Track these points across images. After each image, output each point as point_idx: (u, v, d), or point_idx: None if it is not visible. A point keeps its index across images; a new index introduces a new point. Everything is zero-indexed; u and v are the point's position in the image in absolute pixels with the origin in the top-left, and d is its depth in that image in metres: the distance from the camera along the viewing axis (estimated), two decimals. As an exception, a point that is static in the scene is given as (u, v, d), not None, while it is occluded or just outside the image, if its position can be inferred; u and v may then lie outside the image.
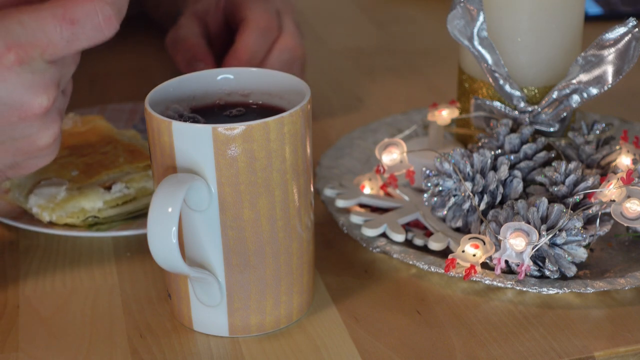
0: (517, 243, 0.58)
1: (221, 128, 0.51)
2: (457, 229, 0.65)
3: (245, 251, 0.54)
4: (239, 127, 0.51)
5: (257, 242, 0.54)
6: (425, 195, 0.65)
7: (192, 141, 0.52)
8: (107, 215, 0.67)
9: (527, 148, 0.66)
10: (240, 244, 0.54)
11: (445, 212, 0.64)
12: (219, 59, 0.81)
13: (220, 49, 0.83)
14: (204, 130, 0.51)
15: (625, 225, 0.58)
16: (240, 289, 0.55)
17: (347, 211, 0.67)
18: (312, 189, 0.57)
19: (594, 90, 0.66)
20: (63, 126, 0.75)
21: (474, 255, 0.59)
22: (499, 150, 0.66)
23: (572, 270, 0.59)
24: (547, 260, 0.59)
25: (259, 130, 0.52)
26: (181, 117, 0.56)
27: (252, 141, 0.52)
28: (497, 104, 0.68)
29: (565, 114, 0.68)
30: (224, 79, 0.59)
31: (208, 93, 0.59)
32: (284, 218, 0.54)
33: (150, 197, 0.67)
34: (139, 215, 0.68)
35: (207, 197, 0.53)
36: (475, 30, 0.66)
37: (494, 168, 0.64)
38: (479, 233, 0.63)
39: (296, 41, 0.80)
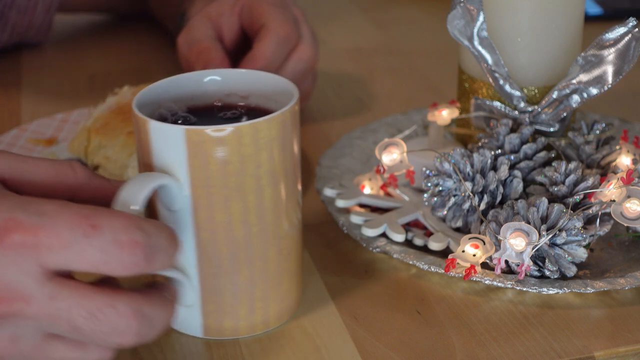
0: (517, 243, 0.58)
1: (194, 130, 0.51)
2: (457, 229, 0.65)
3: (219, 254, 0.54)
4: (211, 130, 0.51)
5: (230, 246, 0.54)
6: (425, 195, 0.65)
7: (166, 141, 0.52)
8: None
9: (527, 148, 0.66)
10: (213, 246, 0.53)
11: (445, 212, 0.64)
12: (233, 64, 0.81)
13: (234, 53, 0.83)
14: (177, 131, 0.51)
15: (625, 225, 0.58)
16: (214, 292, 0.55)
17: (347, 211, 0.67)
18: (298, 197, 0.56)
19: (594, 90, 0.66)
20: (123, 99, 0.76)
21: (474, 255, 0.59)
22: (499, 150, 0.66)
23: (572, 270, 0.59)
24: (547, 260, 0.59)
25: (231, 134, 0.51)
26: (173, 116, 0.56)
27: (225, 145, 0.51)
28: (497, 104, 0.68)
29: (565, 114, 0.68)
30: (226, 80, 0.59)
31: (207, 93, 0.58)
32: (260, 224, 0.54)
33: None
34: None
35: (180, 198, 0.52)
36: (475, 30, 0.66)
37: (494, 168, 0.64)
38: (479, 233, 0.63)
39: (313, 52, 0.80)
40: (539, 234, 0.58)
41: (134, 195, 0.49)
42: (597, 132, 0.68)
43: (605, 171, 0.66)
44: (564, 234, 0.59)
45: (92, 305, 0.46)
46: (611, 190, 0.59)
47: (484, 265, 0.61)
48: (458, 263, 0.59)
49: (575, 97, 0.66)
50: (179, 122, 0.56)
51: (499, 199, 0.64)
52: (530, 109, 0.67)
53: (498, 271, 0.59)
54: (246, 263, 0.54)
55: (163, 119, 0.56)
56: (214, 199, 0.52)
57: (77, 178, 0.52)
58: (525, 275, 0.59)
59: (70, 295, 0.45)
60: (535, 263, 0.60)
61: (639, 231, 0.64)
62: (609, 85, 0.65)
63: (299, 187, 0.57)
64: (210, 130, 0.51)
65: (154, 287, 0.50)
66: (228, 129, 0.51)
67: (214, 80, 0.59)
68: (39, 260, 0.45)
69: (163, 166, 0.52)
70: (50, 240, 0.45)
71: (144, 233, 0.46)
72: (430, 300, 0.60)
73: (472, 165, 0.64)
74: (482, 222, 0.63)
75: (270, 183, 0.53)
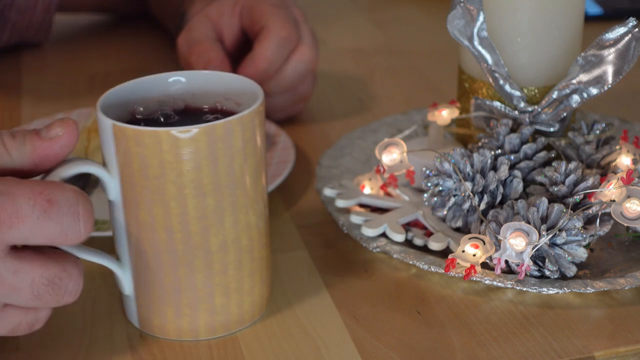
0: (517, 243, 0.58)
1: (119, 126, 0.51)
2: (457, 229, 0.65)
3: (145, 253, 0.54)
4: (131, 130, 0.51)
5: (154, 247, 0.53)
6: (425, 195, 0.65)
7: (103, 133, 0.52)
8: None
9: (527, 148, 0.66)
10: (140, 243, 0.53)
11: (445, 212, 0.64)
12: (233, 65, 0.81)
13: (234, 54, 0.83)
14: (107, 125, 0.52)
15: (625, 225, 0.58)
16: (144, 286, 0.55)
17: (347, 211, 0.67)
18: (245, 214, 0.54)
19: (594, 90, 0.66)
20: None
21: (474, 255, 0.59)
22: (499, 150, 0.66)
23: (572, 270, 0.59)
24: (547, 260, 0.59)
25: (150, 137, 0.51)
26: (159, 111, 0.57)
27: (144, 147, 0.51)
28: (497, 104, 0.68)
29: (565, 114, 0.68)
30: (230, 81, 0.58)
31: (207, 93, 0.58)
32: (183, 233, 0.53)
33: None
34: None
35: (113, 190, 0.53)
36: (475, 30, 0.66)
37: (494, 168, 0.64)
38: (479, 233, 0.63)
39: (313, 53, 0.80)
40: (539, 234, 0.58)
41: (57, 175, 0.51)
42: (597, 132, 0.68)
43: (605, 171, 0.66)
44: (564, 234, 0.59)
45: (51, 273, 0.49)
46: (611, 190, 0.59)
47: (484, 265, 0.61)
48: (458, 263, 0.59)
49: (575, 97, 0.66)
50: (161, 120, 0.56)
51: (499, 199, 0.64)
52: (530, 109, 0.67)
53: (498, 271, 0.59)
54: (170, 267, 0.54)
55: (138, 114, 0.56)
56: (138, 197, 0.52)
57: (12, 159, 0.52)
58: (525, 275, 0.59)
59: (32, 268, 0.49)
60: (535, 263, 0.60)
61: (639, 231, 0.64)
62: (609, 85, 0.65)
63: (254, 205, 0.55)
64: (132, 129, 0.51)
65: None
66: (146, 131, 0.51)
67: (216, 79, 0.58)
68: (1, 237, 0.47)
69: (104, 156, 0.53)
70: (11, 218, 0.47)
71: (89, 202, 0.50)
72: (430, 300, 0.60)
73: (472, 165, 0.64)
74: (482, 222, 0.63)
75: (196, 194, 0.52)
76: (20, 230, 0.48)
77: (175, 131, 0.51)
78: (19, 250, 0.49)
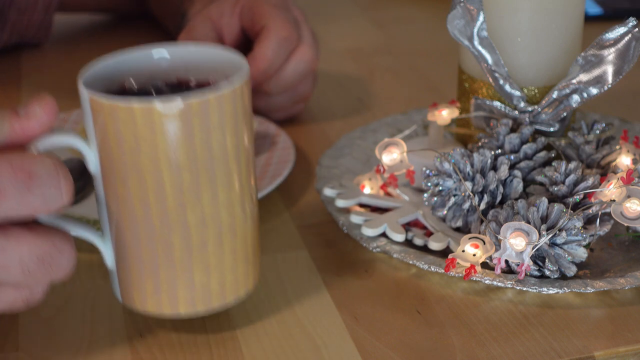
0: (517, 243, 0.58)
1: (96, 99, 0.51)
2: (457, 229, 0.65)
3: (123, 227, 0.53)
4: (107, 103, 0.50)
5: (131, 222, 0.53)
6: (425, 195, 0.65)
7: (82, 105, 0.52)
8: None
9: (527, 148, 0.66)
10: (119, 218, 0.53)
11: (445, 211, 0.64)
12: None
13: None
14: (85, 97, 0.51)
15: (625, 225, 0.58)
16: (124, 262, 0.54)
17: (347, 211, 0.67)
18: (226, 192, 0.53)
19: (594, 90, 0.66)
20: None
21: (474, 255, 0.59)
22: (499, 150, 0.66)
23: (572, 270, 0.59)
24: (547, 260, 0.59)
25: (124, 110, 0.50)
26: (150, 84, 0.56)
27: (119, 120, 0.50)
28: (497, 104, 0.68)
29: (565, 114, 0.68)
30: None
31: (199, 67, 0.57)
32: (159, 207, 0.52)
33: None
34: None
35: (93, 163, 0.53)
36: (475, 30, 0.66)
37: (494, 168, 0.64)
38: (479, 233, 0.63)
39: (314, 53, 0.80)
40: (539, 234, 0.58)
41: (36, 147, 0.51)
42: (597, 132, 0.68)
43: (605, 171, 0.66)
44: (564, 233, 0.59)
45: (39, 250, 0.49)
46: (611, 190, 0.59)
47: (484, 265, 0.61)
48: (458, 263, 0.59)
49: (575, 97, 0.66)
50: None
51: (499, 198, 0.64)
52: (530, 109, 0.67)
53: (498, 271, 0.59)
54: (148, 242, 0.53)
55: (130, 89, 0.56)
56: (115, 171, 0.52)
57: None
58: (525, 275, 0.59)
59: (19, 245, 0.48)
60: (535, 263, 0.60)
61: (639, 231, 0.64)
62: (609, 85, 0.65)
63: (236, 182, 0.54)
64: (107, 102, 0.50)
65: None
66: (119, 104, 0.50)
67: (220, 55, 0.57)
68: None
69: (85, 129, 0.53)
70: None
71: (68, 171, 0.49)
72: (430, 300, 0.60)
73: (472, 165, 0.64)
74: (482, 222, 0.63)
75: (172, 169, 0.51)
76: (2, 207, 0.47)
77: (149, 104, 0.50)
78: (5, 227, 0.49)
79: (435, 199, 0.65)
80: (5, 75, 0.98)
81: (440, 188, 0.64)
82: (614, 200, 0.59)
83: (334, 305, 0.60)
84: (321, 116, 0.86)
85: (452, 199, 0.64)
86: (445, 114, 0.71)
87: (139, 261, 0.54)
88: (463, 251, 0.60)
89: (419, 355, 0.55)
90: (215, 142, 0.52)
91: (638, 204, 0.57)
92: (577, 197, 0.61)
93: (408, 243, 0.64)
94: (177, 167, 0.51)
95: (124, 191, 0.52)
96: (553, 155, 0.67)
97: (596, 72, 0.65)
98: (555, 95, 0.66)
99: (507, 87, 0.67)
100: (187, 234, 0.53)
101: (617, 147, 0.67)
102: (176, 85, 0.57)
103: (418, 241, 0.64)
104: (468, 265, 0.59)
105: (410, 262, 0.61)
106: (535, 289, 0.58)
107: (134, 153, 0.51)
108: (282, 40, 0.77)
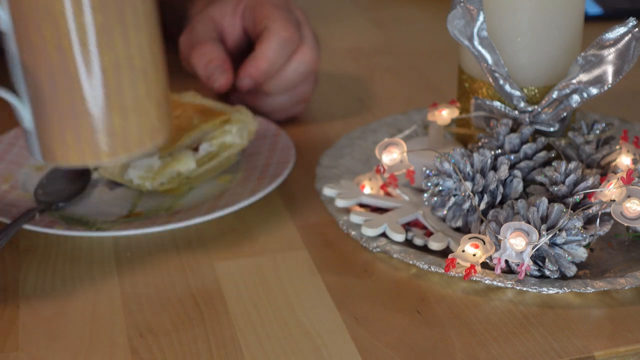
0: (517, 243, 0.58)
1: None
2: (457, 229, 0.65)
3: (40, 79, 0.53)
4: None
5: (48, 72, 0.53)
6: (425, 195, 0.65)
7: None
8: (197, 175, 0.71)
9: (527, 148, 0.66)
10: (35, 70, 0.53)
11: (445, 211, 0.64)
12: (234, 65, 0.81)
13: (236, 55, 0.83)
14: None
15: (625, 225, 0.58)
16: (43, 118, 0.54)
17: (347, 211, 0.67)
18: (141, 34, 0.55)
19: (594, 90, 0.66)
20: None
21: (474, 255, 0.59)
22: (499, 150, 0.66)
23: (572, 270, 0.59)
24: (547, 260, 0.59)
25: None
26: None
27: None
28: (497, 104, 0.68)
29: (565, 114, 0.68)
30: None
31: None
32: (75, 50, 0.53)
33: (229, 151, 0.72)
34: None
35: (6, 21, 0.53)
36: (475, 30, 0.66)
37: (494, 168, 0.64)
38: (479, 233, 0.63)
39: (315, 54, 0.80)
40: (539, 234, 0.58)
41: None
42: (597, 132, 0.68)
43: (605, 171, 0.66)
44: (564, 233, 0.59)
45: None
46: (611, 190, 0.59)
47: (484, 265, 0.61)
48: (458, 263, 0.59)
49: (575, 97, 0.66)
50: None
51: (499, 198, 0.64)
52: (530, 109, 0.67)
53: (498, 271, 0.59)
54: (65, 90, 0.53)
55: None
56: (27, 19, 0.52)
57: None
58: (525, 275, 0.59)
59: None
60: (535, 263, 0.60)
61: (639, 231, 0.64)
62: (609, 85, 0.65)
63: (144, 23, 0.55)
64: None
65: None
66: None
67: None
68: None
69: None
70: None
71: None
72: (430, 300, 0.60)
73: (472, 165, 0.64)
74: (482, 222, 0.63)
75: (84, 13, 0.52)
76: None
77: None
78: None
79: (435, 199, 0.65)
80: (5, 75, 0.98)
81: (440, 188, 0.64)
82: (614, 200, 0.59)
83: (334, 305, 0.60)
84: (321, 116, 0.86)
85: (452, 199, 0.64)
86: (445, 114, 0.71)
87: (59, 112, 0.54)
88: (463, 251, 0.60)
89: (419, 355, 0.55)
90: None
91: (638, 204, 0.57)
92: (577, 197, 0.61)
93: (408, 243, 0.64)
94: (89, 9, 0.52)
95: (38, 39, 0.52)
96: (553, 155, 0.67)
97: (596, 72, 0.65)
98: (555, 95, 0.66)
99: (507, 87, 0.67)
100: (103, 77, 0.54)
101: (617, 147, 0.67)
102: None
103: (418, 241, 0.64)
104: (468, 265, 0.59)
105: (410, 262, 0.61)
106: (535, 289, 0.58)
107: None
108: (283, 41, 0.77)
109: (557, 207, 0.59)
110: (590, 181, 0.61)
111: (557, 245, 0.59)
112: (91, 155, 0.55)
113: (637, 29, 0.63)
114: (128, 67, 0.54)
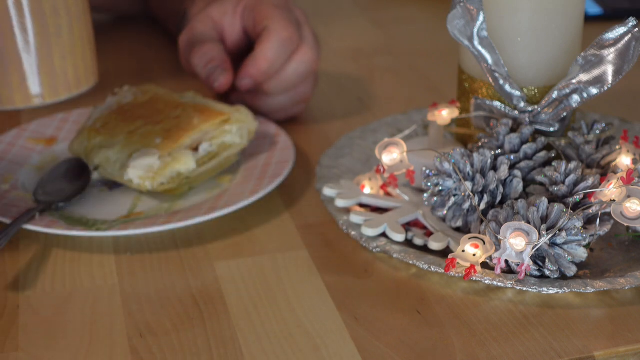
0: (517, 243, 0.58)
1: None
2: (457, 229, 0.65)
3: None
4: None
5: None
6: (425, 195, 0.65)
7: None
8: (196, 175, 0.71)
9: (527, 148, 0.66)
10: None
11: (445, 211, 0.64)
12: (234, 65, 0.81)
13: (236, 55, 0.83)
14: None
15: (625, 225, 0.58)
16: None
17: (347, 211, 0.67)
18: None
19: (594, 90, 0.66)
20: (124, 100, 0.76)
21: (474, 255, 0.59)
22: (499, 150, 0.66)
23: (572, 270, 0.59)
24: (547, 260, 0.59)
25: None
26: None
27: None
28: (497, 104, 0.68)
29: (565, 114, 0.68)
30: None
31: None
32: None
33: (229, 151, 0.73)
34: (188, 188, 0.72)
35: None
36: (475, 30, 0.66)
37: (494, 168, 0.64)
38: (479, 233, 0.63)
39: (314, 54, 0.80)
40: (539, 234, 0.58)
41: None
42: (597, 132, 0.68)
43: (605, 171, 0.66)
44: (564, 233, 0.59)
45: None
46: (611, 190, 0.59)
47: (484, 265, 0.61)
48: (458, 263, 0.59)
49: (575, 97, 0.66)
50: None
51: (499, 198, 0.64)
52: (530, 109, 0.67)
53: (498, 271, 0.59)
54: (8, 35, 0.56)
55: None
56: None
57: None
58: (525, 275, 0.59)
59: None
60: (535, 263, 0.60)
61: (639, 231, 0.64)
62: (609, 85, 0.65)
63: None
64: None
65: None
66: None
67: None
68: None
69: None
70: None
71: None
72: (430, 300, 0.60)
73: (472, 165, 0.64)
74: (482, 222, 0.63)
75: None
76: None
77: None
78: None
79: (435, 199, 0.65)
80: None
81: (440, 188, 0.64)
82: (614, 200, 0.59)
83: (334, 305, 0.60)
84: (321, 116, 0.86)
85: (452, 199, 0.64)
86: (445, 114, 0.71)
87: (2, 56, 0.56)
88: (463, 251, 0.60)
89: (419, 355, 0.55)
90: None
91: (638, 204, 0.57)
92: (577, 197, 0.61)
93: (408, 243, 0.64)
94: None
95: None
96: (553, 155, 0.67)
97: (596, 72, 0.65)
98: (555, 95, 0.66)
99: (507, 87, 0.67)
100: (44, 22, 0.57)
101: (617, 147, 0.67)
102: None
103: (418, 241, 0.64)
104: (468, 265, 0.59)
105: (410, 262, 0.61)
106: (535, 289, 0.58)
107: None
108: (283, 41, 0.77)
109: (557, 207, 0.59)
110: (590, 181, 0.61)
111: (557, 245, 0.59)
112: (35, 97, 0.58)
113: (637, 29, 0.63)
114: (65, 12, 0.58)
